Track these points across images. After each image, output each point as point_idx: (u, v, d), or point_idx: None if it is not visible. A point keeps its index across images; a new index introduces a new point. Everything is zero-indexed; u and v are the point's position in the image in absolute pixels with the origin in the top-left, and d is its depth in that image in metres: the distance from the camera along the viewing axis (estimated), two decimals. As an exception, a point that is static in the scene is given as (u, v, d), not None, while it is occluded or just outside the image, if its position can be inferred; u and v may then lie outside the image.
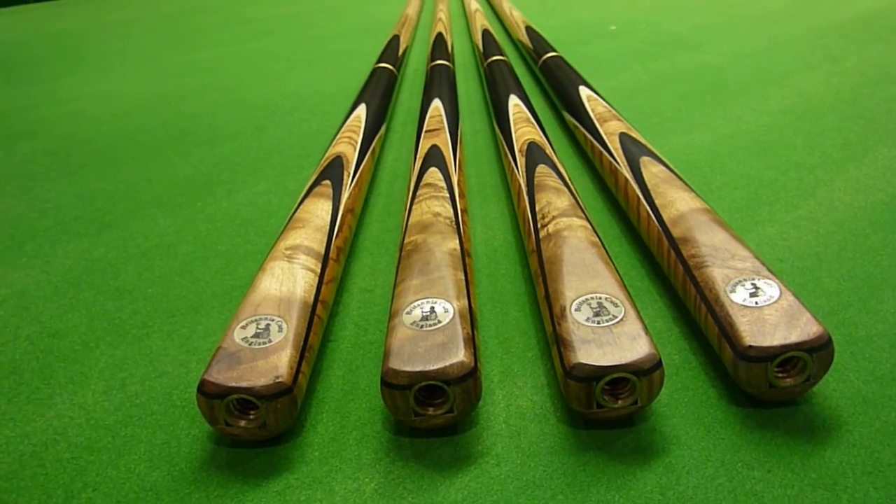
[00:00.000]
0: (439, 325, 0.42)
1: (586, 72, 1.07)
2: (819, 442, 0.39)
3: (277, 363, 0.40)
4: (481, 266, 0.60)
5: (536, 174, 0.62)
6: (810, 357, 0.39)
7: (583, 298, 0.43)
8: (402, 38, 1.33)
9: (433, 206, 0.57)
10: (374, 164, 0.78)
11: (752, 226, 0.63)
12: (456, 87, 1.02)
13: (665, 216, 0.54)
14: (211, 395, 0.39)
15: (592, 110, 0.80)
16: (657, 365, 0.38)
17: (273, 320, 0.44)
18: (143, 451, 0.42)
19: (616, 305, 0.43)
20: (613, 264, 0.48)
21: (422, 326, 0.42)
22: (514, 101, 0.85)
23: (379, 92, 0.96)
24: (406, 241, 0.53)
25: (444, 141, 0.73)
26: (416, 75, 1.27)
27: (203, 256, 0.65)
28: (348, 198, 0.62)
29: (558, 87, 0.95)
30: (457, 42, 1.51)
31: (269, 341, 0.42)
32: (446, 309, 0.43)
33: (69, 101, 1.26)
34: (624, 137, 0.70)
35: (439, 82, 0.97)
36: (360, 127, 0.79)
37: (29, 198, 0.83)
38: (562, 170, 0.64)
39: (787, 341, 0.39)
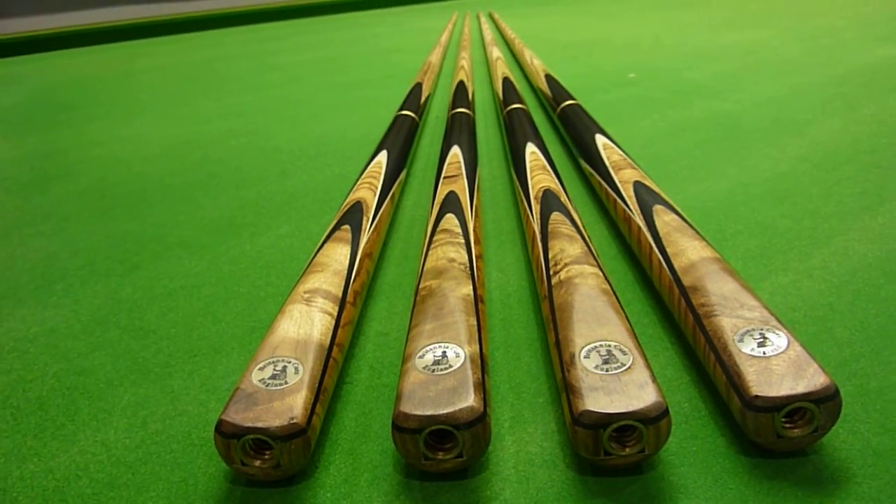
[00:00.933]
0: (450, 370, 0.43)
1: (604, 119, 1.09)
2: (828, 494, 0.39)
3: (293, 405, 0.41)
4: (495, 311, 0.61)
5: (550, 221, 0.64)
6: (817, 408, 0.39)
7: (592, 346, 0.44)
8: (424, 86, 1.37)
9: (448, 251, 0.59)
10: (394, 209, 0.80)
11: (766, 274, 0.64)
12: (475, 135, 1.04)
13: (676, 264, 0.55)
14: (228, 435, 0.40)
15: (608, 158, 0.82)
16: (664, 413, 0.39)
17: (290, 362, 0.45)
18: (162, 489, 0.43)
19: (625, 353, 0.43)
20: (624, 312, 0.49)
21: (433, 371, 0.43)
22: (531, 149, 0.87)
23: (400, 139, 0.99)
24: (421, 286, 0.54)
25: (461, 187, 0.75)
26: (438, 122, 1.30)
27: (225, 298, 0.67)
28: (366, 242, 0.64)
29: (575, 134, 0.98)
30: (478, 89, 1.55)
31: (286, 383, 0.43)
32: (458, 354, 0.44)
33: (100, 144, 1.31)
34: (638, 186, 0.71)
35: (459, 129, 1.00)
36: (380, 173, 0.82)
37: (62, 238, 0.86)
38: (576, 217, 0.65)
39: (794, 392, 0.39)
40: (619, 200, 0.72)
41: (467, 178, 0.79)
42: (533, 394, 0.49)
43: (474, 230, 0.65)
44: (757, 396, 0.39)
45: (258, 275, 0.72)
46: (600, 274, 0.54)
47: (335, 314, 0.52)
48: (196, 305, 0.66)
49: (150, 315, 0.65)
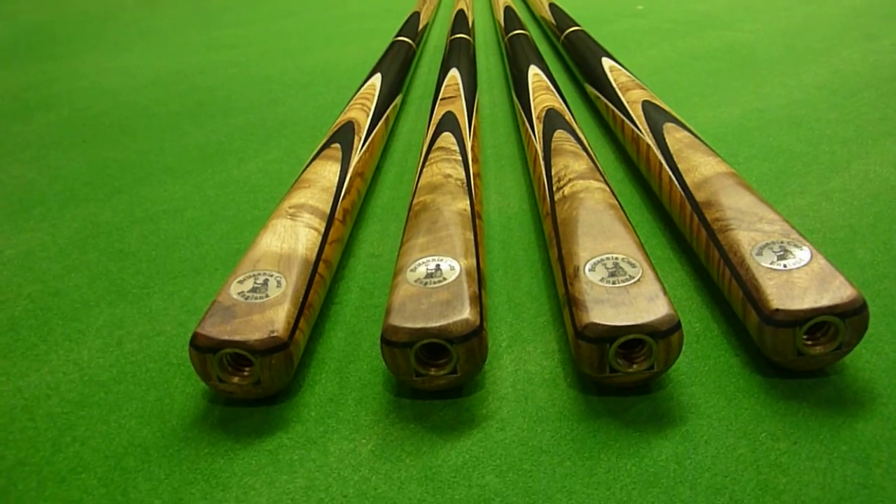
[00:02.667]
0: (444, 283, 0.39)
1: (611, 49, 1.04)
2: (850, 414, 0.36)
3: (274, 318, 0.38)
4: (494, 233, 0.57)
5: (554, 139, 0.60)
6: (843, 322, 0.36)
7: (598, 259, 0.41)
8: (422, 15, 1.31)
9: (444, 168, 0.55)
10: (388, 132, 0.76)
11: (782, 197, 0.60)
12: (475, 60, 0.99)
13: (688, 181, 0.52)
14: (203, 349, 0.37)
15: (615, 80, 0.77)
16: (676, 327, 0.36)
17: (272, 276, 0.42)
18: (136, 408, 0.40)
19: (633, 266, 0.40)
20: (632, 226, 0.45)
21: (426, 284, 0.40)
22: (534, 71, 0.82)
23: (396, 64, 0.94)
24: (415, 201, 0.51)
25: (459, 108, 0.70)
26: (436, 52, 1.24)
27: (209, 221, 0.64)
28: (358, 162, 0.60)
29: (580, 59, 0.92)
30: (479, 19, 1.48)
31: (267, 296, 0.40)
32: (452, 267, 0.41)
33: (86, 76, 1.26)
34: (647, 105, 0.67)
35: (458, 54, 0.95)
36: (373, 95, 0.77)
37: (41, 165, 0.82)
38: (580, 134, 0.61)
39: (818, 305, 0.36)
40: (626, 121, 0.67)
41: (465, 99, 0.74)
42: (533, 314, 0.46)
43: (472, 149, 0.61)
44: (777, 310, 0.36)
45: (244, 199, 0.68)
46: (607, 189, 0.50)
47: (322, 230, 0.48)
48: (178, 229, 0.63)
49: (130, 238, 0.62)
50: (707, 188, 0.49)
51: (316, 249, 0.46)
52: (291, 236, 0.46)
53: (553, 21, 1.18)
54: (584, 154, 0.56)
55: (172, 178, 0.75)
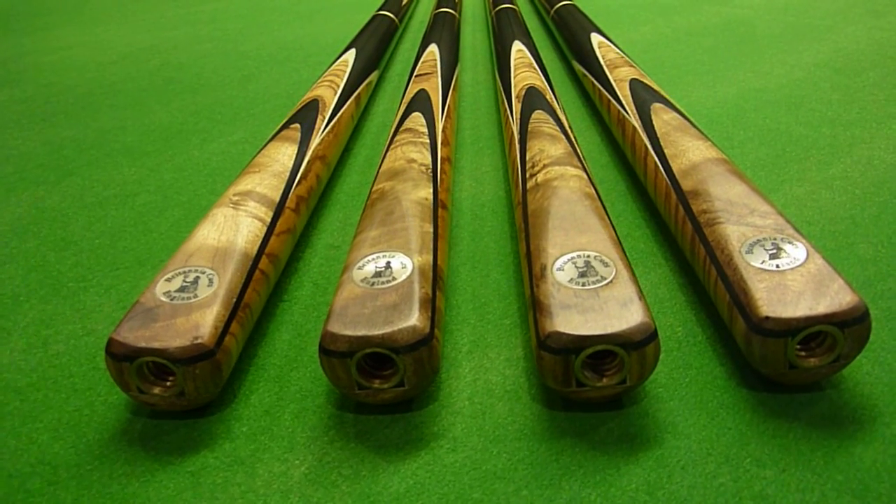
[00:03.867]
0: (393, 284, 0.35)
1: (603, 24, 0.98)
2: (848, 436, 0.31)
3: (199, 322, 0.34)
4: (464, 222, 0.53)
5: (532, 120, 0.55)
6: (841, 332, 0.32)
7: (568, 257, 0.36)
8: (408, -12, 1.25)
9: (409, 151, 0.50)
10: (359, 111, 0.71)
11: (778, 185, 0.55)
12: (458, 36, 0.94)
13: (674, 167, 0.47)
14: (119, 357, 0.33)
15: (603, 57, 0.72)
16: (651, 336, 0.31)
17: (204, 273, 0.38)
18: (51, 419, 0.36)
19: (606, 265, 0.36)
20: (609, 219, 0.41)
21: (373, 284, 0.35)
22: (517, 47, 0.77)
23: (375, 39, 0.89)
24: (374, 188, 0.46)
25: (433, 86, 0.65)
26: (422, 27, 1.19)
27: (162, 207, 0.59)
28: (319, 144, 0.56)
29: (569, 35, 0.87)
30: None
31: (195, 296, 0.36)
32: (404, 265, 0.36)
33: (54, 51, 1.20)
34: (635, 84, 0.62)
35: (440, 29, 0.90)
36: (344, 71, 0.72)
37: (-5, 144, 0.77)
38: (561, 115, 0.56)
39: (814, 312, 0.31)
40: (612, 101, 0.62)
41: (442, 76, 0.69)
42: (499, 315, 0.42)
43: (443, 131, 0.56)
44: (767, 318, 0.32)
45: (202, 182, 0.63)
46: (584, 176, 0.45)
47: (269, 220, 0.44)
48: (128, 215, 0.58)
49: (74, 225, 0.57)
50: (694, 176, 0.45)
51: (258, 242, 0.41)
52: (231, 227, 0.42)
53: (543, -5, 1.13)
54: (563, 137, 0.51)
55: (130, 159, 0.70)
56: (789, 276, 0.34)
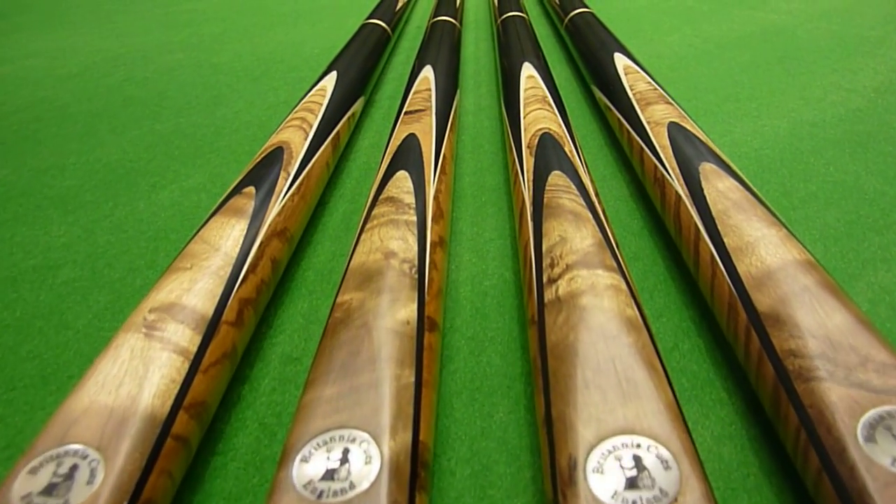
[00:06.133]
0: (350, 496, 0.23)
1: (623, 33, 0.86)
2: None
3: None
4: (461, 324, 0.41)
5: (548, 186, 0.43)
6: None
7: (608, 446, 0.25)
8: (403, -11, 1.12)
9: (389, 237, 0.38)
10: (337, 154, 0.59)
11: (859, 268, 0.44)
12: (458, 51, 0.81)
13: (741, 269, 0.35)
14: None
15: (631, 87, 0.60)
16: None
17: (85, 458, 0.26)
18: None
19: (667, 467, 0.24)
20: (662, 365, 0.29)
21: (321, 495, 0.24)
22: (527, 72, 0.65)
23: (360, 55, 0.76)
24: (339, 299, 0.34)
25: (426, 128, 0.53)
26: (419, 33, 1.07)
27: (88, 286, 0.48)
28: (278, 214, 0.44)
29: (588, 52, 0.75)
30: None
31: (66, 502, 0.24)
32: (369, 456, 0.25)
33: (15, 59, 1.08)
34: (675, 130, 0.50)
35: (437, 44, 0.77)
36: (321, 104, 0.60)
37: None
38: (585, 179, 0.44)
39: None
40: (646, 150, 0.50)
41: (437, 112, 0.57)
42: (508, 486, 0.30)
43: (436, 197, 0.45)
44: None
45: (143, 249, 0.52)
46: (622, 285, 0.34)
47: (194, 351, 0.32)
48: (43, 299, 0.47)
49: (-26, 313, 0.46)
50: (772, 289, 0.33)
51: (174, 393, 0.30)
52: (137, 372, 0.30)
53: (556, 0, 1.00)
54: (590, 217, 0.39)
55: (62, 212, 0.58)
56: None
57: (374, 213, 0.42)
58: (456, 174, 0.59)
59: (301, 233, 0.48)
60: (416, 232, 0.39)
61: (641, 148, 0.51)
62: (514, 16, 0.89)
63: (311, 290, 0.45)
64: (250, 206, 0.43)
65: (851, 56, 0.83)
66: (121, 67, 0.99)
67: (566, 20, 0.89)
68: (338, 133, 0.59)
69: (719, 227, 0.39)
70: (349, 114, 0.64)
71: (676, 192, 0.44)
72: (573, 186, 0.43)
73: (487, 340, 0.40)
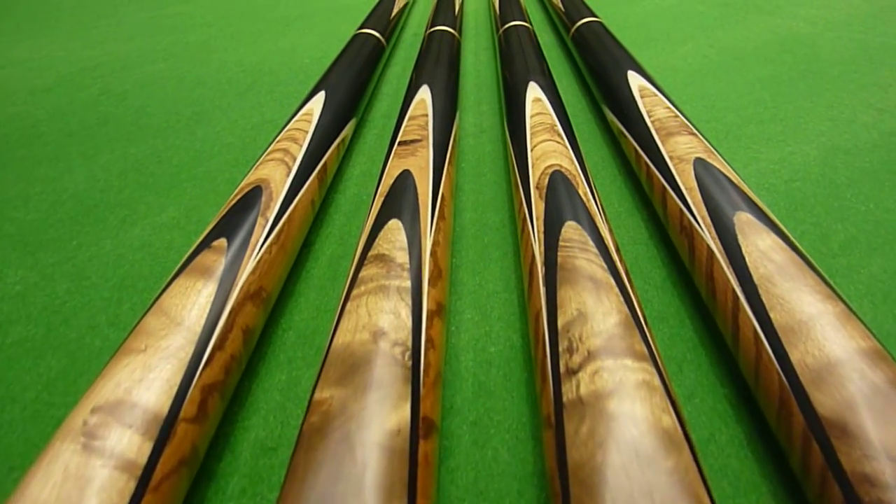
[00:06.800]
0: None
1: (631, 42, 0.81)
2: None
3: None
4: (461, 404, 0.36)
5: (562, 242, 0.38)
6: None
7: None
8: (399, -5, 1.07)
9: (378, 310, 0.33)
10: (324, 189, 0.54)
11: (918, 333, 0.38)
12: (458, 67, 0.76)
13: (794, 355, 0.30)
14: None
15: (649, 113, 0.54)
16: None
17: None
18: None
19: None
20: (709, 493, 0.24)
21: None
22: (533, 94, 0.59)
23: (352, 72, 0.71)
24: (315, 397, 0.29)
25: (422, 163, 0.48)
26: (416, 41, 1.01)
27: (39, 349, 0.42)
28: (253, 271, 0.38)
29: (598, 69, 0.69)
30: (470, 3, 1.24)
31: None
32: None
33: (-11, 69, 1.03)
34: (702, 168, 0.44)
35: (434, 60, 0.72)
36: (306, 132, 0.55)
37: None
38: (605, 233, 0.39)
39: None
40: (669, 190, 0.45)
41: (435, 143, 0.52)
42: None
43: (433, 252, 0.39)
44: None
45: (106, 301, 0.46)
46: (657, 383, 0.28)
47: (143, 464, 0.27)
48: (-12, 364, 0.41)
49: (-90, 382, 0.40)
50: (835, 388, 0.27)
51: (112, 529, 0.24)
52: (70, 500, 0.25)
53: (562, 7, 0.94)
54: (613, 284, 0.34)
55: (20, 254, 0.53)
56: None
57: (361, 275, 0.36)
58: (455, 208, 0.54)
59: (280, 289, 0.43)
60: (410, 302, 0.34)
61: (664, 188, 0.46)
62: (516, 25, 0.84)
63: (290, 358, 0.40)
64: (220, 263, 0.38)
65: (879, 69, 0.78)
66: (99, 79, 0.94)
67: (573, 29, 0.84)
68: (325, 164, 0.54)
69: (763, 298, 0.33)
70: (338, 140, 0.58)
71: (708, 247, 0.38)
72: (591, 242, 0.37)
73: (493, 426, 0.34)
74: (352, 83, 0.68)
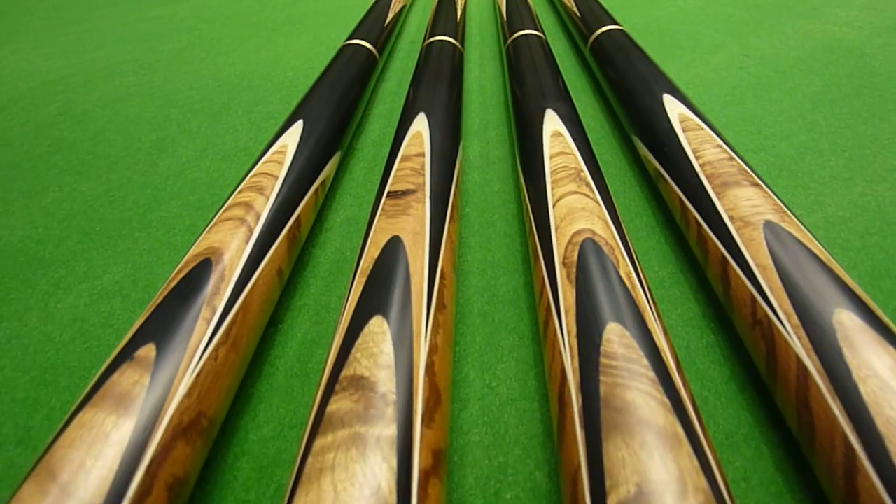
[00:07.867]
0: None
1: (656, 51, 0.71)
2: None
3: None
4: None
5: (603, 360, 0.28)
6: None
7: None
8: (394, 2, 0.96)
9: (349, 479, 0.23)
10: (297, 251, 0.44)
11: None
12: (461, 85, 0.65)
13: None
14: None
15: (695, 152, 0.44)
16: None
17: None
18: None
19: None
20: None
21: None
22: (552, 126, 0.49)
23: (337, 94, 0.60)
24: None
25: (416, 225, 0.38)
26: (413, 49, 0.91)
27: (-80, 480, 0.32)
28: (189, 392, 0.29)
29: (624, 91, 0.59)
30: (474, 9, 1.13)
31: None
32: None
33: (-60, 83, 0.93)
34: (775, 238, 0.34)
35: (433, 79, 0.61)
36: (276, 176, 0.45)
37: None
38: (661, 342, 0.29)
39: None
40: (733, 264, 0.35)
41: (433, 194, 0.42)
42: None
43: (429, 367, 0.29)
44: None
45: (19, 404, 0.37)
46: None
47: None
48: None
49: None
50: None
51: None
52: None
53: (577, 12, 0.84)
54: (683, 435, 0.24)
55: (-73, 329, 0.43)
56: None
57: (329, 411, 0.26)
58: (458, 270, 0.44)
59: (227, 409, 0.33)
60: (395, 461, 0.24)
61: (724, 260, 0.36)
62: (527, 35, 0.73)
63: (244, 489, 0.30)
64: (143, 385, 0.28)
65: (944, 85, 0.68)
66: (59, 96, 0.84)
67: (591, 39, 0.74)
68: (298, 218, 0.44)
69: (890, 450, 0.23)
70: (317, 184, 0.48)
71: (798, 361, 0.28)
72: (645, 360, 0.27)
73: None
74: (336, 111, 0.58)
